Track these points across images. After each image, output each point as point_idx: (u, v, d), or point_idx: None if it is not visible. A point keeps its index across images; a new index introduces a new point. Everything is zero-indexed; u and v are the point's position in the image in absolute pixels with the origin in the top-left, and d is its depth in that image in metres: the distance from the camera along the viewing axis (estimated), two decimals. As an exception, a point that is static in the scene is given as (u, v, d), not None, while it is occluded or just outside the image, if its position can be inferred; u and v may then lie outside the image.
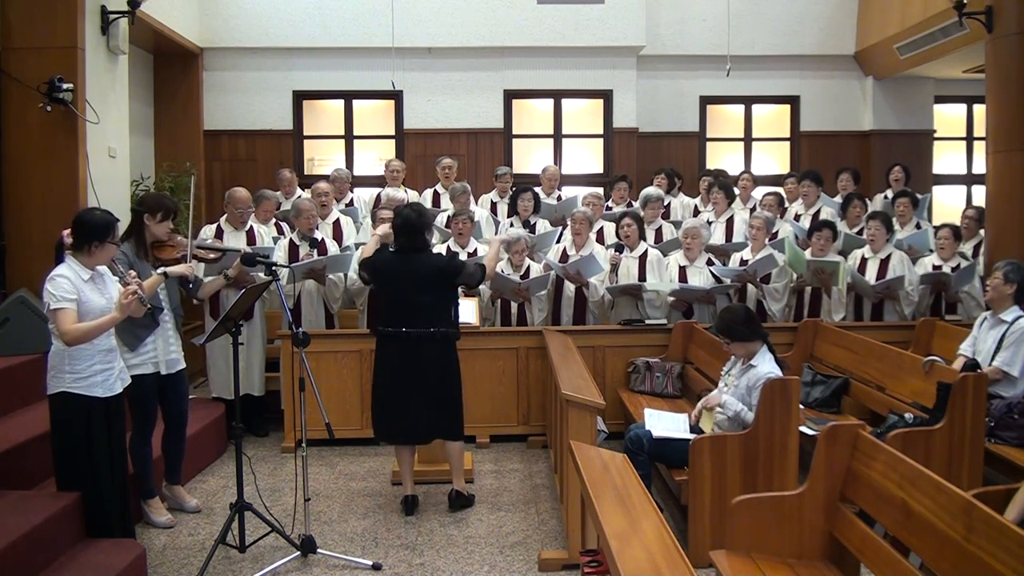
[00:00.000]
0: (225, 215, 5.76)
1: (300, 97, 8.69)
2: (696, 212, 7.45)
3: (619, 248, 5.91)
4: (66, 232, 3.55)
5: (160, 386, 4.20)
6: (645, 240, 6.15)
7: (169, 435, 4.39)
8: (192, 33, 8.10)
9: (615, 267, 5.89)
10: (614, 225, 6.77)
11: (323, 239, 6.02)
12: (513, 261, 5.88)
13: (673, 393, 5.39)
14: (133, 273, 3.48)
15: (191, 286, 4.37)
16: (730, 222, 6.85)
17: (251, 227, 5.84)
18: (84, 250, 3.48)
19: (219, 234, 5.67)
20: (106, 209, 3.71)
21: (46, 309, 3.40)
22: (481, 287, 5.74)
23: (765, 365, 3.89)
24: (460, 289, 4.64)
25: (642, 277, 5.82)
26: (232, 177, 8.31)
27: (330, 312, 5.91)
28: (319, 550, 3.82)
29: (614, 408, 5.48)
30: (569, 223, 6.10)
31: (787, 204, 7.33)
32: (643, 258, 5.90)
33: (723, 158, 9.25)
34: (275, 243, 5.95)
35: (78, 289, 3.41)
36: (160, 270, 4.01)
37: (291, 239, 6.00)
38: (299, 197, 7.23)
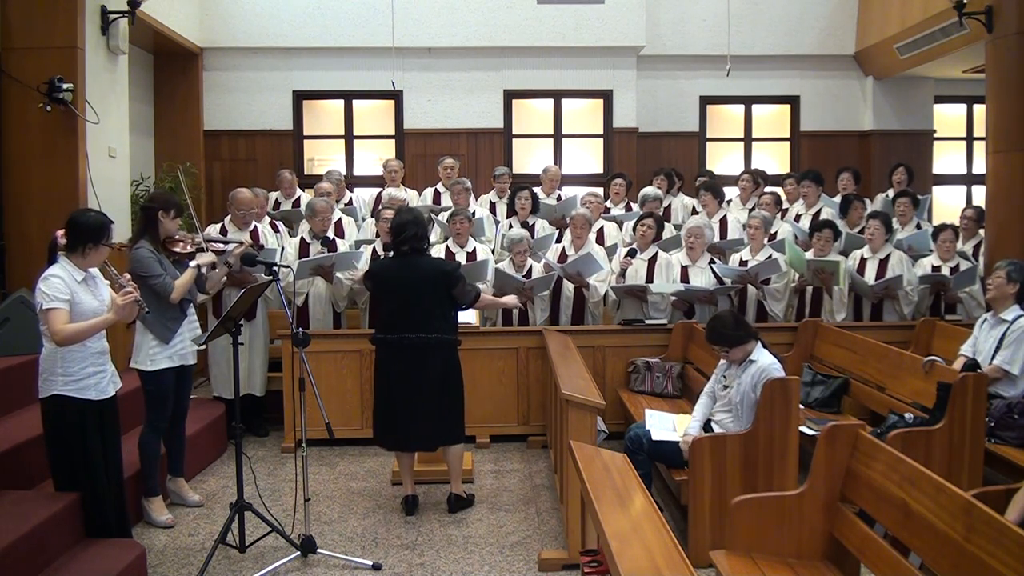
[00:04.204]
0: (229, 216, 5.77)
1: (300, 97, 8.69)
2: (694, 212, 7.45)
3: (631, 253, 5.90)
4: (60, 233, 3.54)
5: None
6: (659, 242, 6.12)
7: (172, 428, 4.41)
8: (192, 33, 8.10)
9: (624, 269, 5.88)
10: (614, 225, 6.79)
11: (334, 238, 6.03)
12: (515, 261, 5.88)
13: (673, 393, 5.39)
14: (128, 276, 3.48)
15: (201, 279, 4.46)
16: (723, 222, 6.83)
17: (255, 227, 5.85)
18: (78, 251, 3.45)
19: (223, 234, 5.68)
20: (100, 211, 3.72)
21: (38, 309, 3.37)
22: (483, 285, 5.76)
23: (764, 358, 3.91)
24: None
25: (650, 279, 5.82)
26: (232, 177, 8.32)
27: (337, 312, 5.92)
28: (319, 550, 3.82)
29: (614, 408, 5.48)
30: (569, 226, 6.09)
31: (787, 205, 7.32)
32: (652, 260, 5.90)
33: (723, 158, 9.26)
34: (278, 244, 5.97)
35: (72, 290, 3.39)
36: (194, 263, 4.27)
37: (302, 237, 6.01)
38: (298, 198, 7.26)
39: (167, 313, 4.17)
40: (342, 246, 6.02)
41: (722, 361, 4.10)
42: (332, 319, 5.91)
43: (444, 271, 4.29)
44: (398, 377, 4.26)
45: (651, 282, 5.81)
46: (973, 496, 2.44)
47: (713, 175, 7.98)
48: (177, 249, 4.29)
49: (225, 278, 5.02)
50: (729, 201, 7.35)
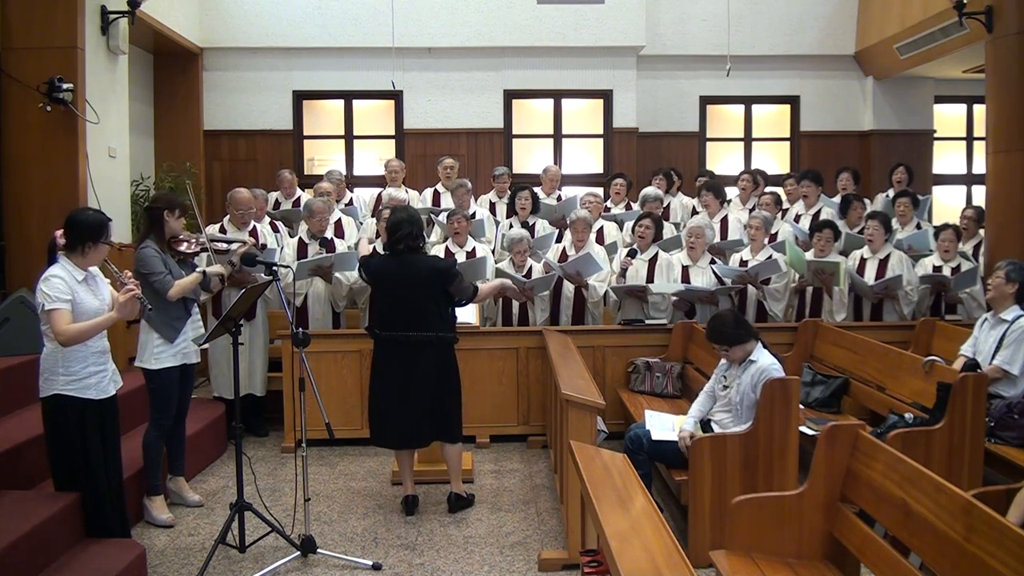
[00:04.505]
0: (228, 216, 5.77)
1: (300, 97, 8.70)
2: (694, 212, 7.45)
3: (632, 253, 5.90)
4: (59, 232, 3.54)
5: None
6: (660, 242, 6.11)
7: (172, 427, 4.41)
8: (192, 33, 8.11)
9: (624, 269, 5.88)
10: (614, 225, 6.79)
11: (332, 238, 6.03)
12: (515, 261, 5.88)
13: (673, 393, 5.39)
14: (129, 274, 3.48)
15: (206, 279, 4.49)
16: (724, 222, 6.84)
17: (254, 227, 5.86)
18: (77, 251, 3.45)
19: (223, 234, 5.69)
20: (98, 209, 3.72)
21: (40, 310, 3.37)
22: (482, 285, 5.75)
23: (765, 358, 3.91)
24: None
25: (650, 279, 5.82)
26: (232, 177, 8.33)
27: (336, 311, 5.92)
28: (319, 550, 3.82)
29: (614, 408, 5.47)
30: (570, 229, 6.08)
31: (787, 205, 7.32)
32: (652, 261, 5.90)
33: (723, 158, 9.26)
34: (277, 243, 5.97)
35: (72, 289, 3.39)
36: (199, 270, 4.31)
37: (300, 238, 6.02)
38: (298, 198, 7.26)
39: (171, 312, 4.19)
40: (341, 246, 6.02)
41: (722, 361, 4.11)
42: (331, 319, 5.92)
43: (438, 268, 4.29)
44: (394, 374, 4.27)
45: (652, 282, 5.81)
46: (973, 496, 2.44)
47: (713, 175, 7.98)
48: (182, 248, 4.32)
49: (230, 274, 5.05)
50: (728, 201, 7.35)
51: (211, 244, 4.53)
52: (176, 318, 4.22)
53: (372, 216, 6.88)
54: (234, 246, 4.87)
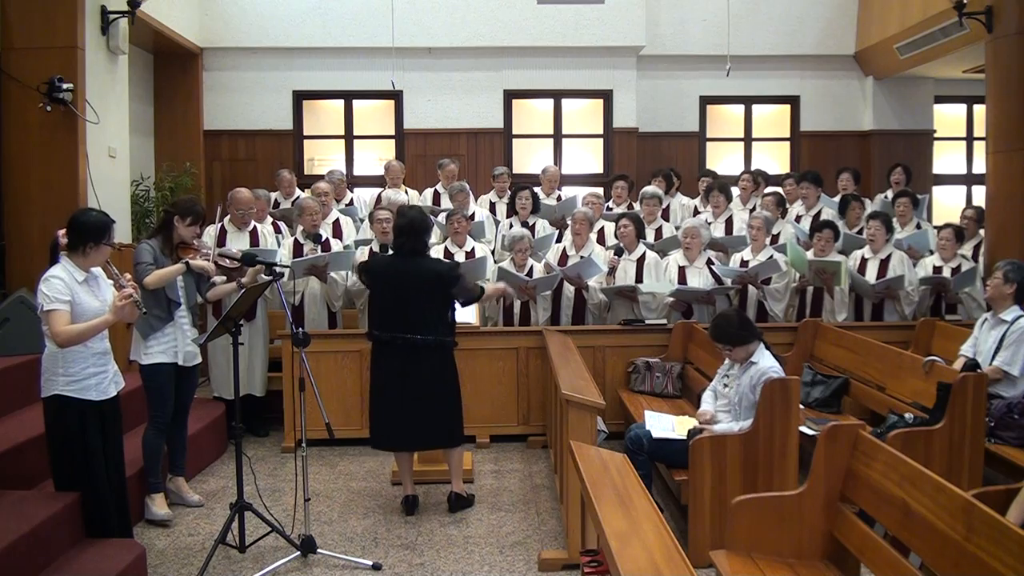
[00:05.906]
0: (228, 216, 5.76)
1: (300, 97, 8.70)
2: (695, 212, 7.45)
3: (619, 251, 5.91)
4: (61, 232, 3.55)
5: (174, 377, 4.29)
6: (644, 241, 6.13)
7: (173, 427, 4.41)
8: (192, 33, 8.10)
9: (613, 269, 5.89)
10: (615, 225, 6.78)
11: (327, 238, 6.03)
12: (516, 260, 5.88)
13: (673, 393, 5.39)
14: (128, 276, 3.48)
15: (204, 284, 4.47)
16: (729, 222, 6.85)
17: (254, 227, 5.85)
18: (79, 251, 3.45)
19: (222, 235, 5.66)
20: (102, 210, 3.72)
21: (39, 310, 3.37)
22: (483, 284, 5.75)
23: (766, 360, 3.91)
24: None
25: (639, 279, 5.82)
26: (232, 177, 8.32)
27: (332, 311, 5.92)
28: (319, 550, 3.82)
29: (614, 408, 5.47)
30: (569, 224, 6.10)
31: (787, 205, 7.32)
32: (641, 260, 5.90)
33: (723, 158, 9.26)
34: (279, 243, 5.96)
35: (72, 290, 3.39)
36: (183, 260, 4.24)
37: (295, 238, 6.01)
38: (297, 197, 7.26)
39: (152, 311, 4.07)
40: (337, 247, 6.01)
41: (727, 360, 4.11)
42: (327, 319, 5.92)
43: (438, 272, 4.27)
44: (393, 376, 4.26)
45: (641, 282, 5.80)
46: (973, 496, 2.44)
47: (716, 175, 7.98)
48: (188, 257, 4.30)
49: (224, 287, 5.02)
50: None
51: (218, 258, 4.48)
52: (156, 317, 4.14)
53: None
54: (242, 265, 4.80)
